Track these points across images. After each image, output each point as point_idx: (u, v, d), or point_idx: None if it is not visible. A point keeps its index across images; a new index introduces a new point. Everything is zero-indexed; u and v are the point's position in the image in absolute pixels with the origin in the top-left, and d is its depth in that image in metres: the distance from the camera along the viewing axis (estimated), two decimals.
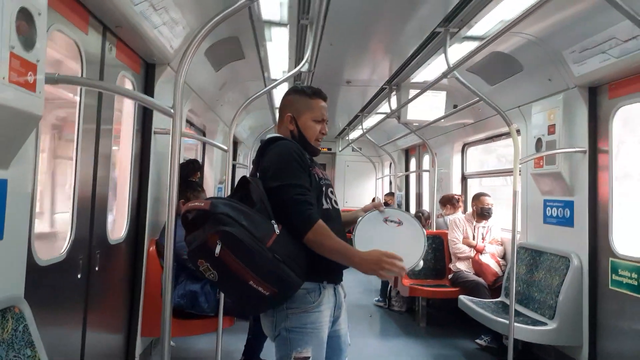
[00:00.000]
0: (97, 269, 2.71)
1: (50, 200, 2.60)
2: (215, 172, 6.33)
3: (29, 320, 1.71)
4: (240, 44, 4.08)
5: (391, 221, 2.02)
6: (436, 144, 6.82)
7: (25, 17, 1.47)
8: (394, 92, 5.45)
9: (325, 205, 1.91)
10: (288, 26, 3.66)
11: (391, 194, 9.22)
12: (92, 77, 2.55)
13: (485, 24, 3.36)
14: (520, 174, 4.06)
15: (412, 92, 5.00)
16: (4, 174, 1.67)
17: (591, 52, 3.18)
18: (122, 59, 2.95)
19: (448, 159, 6.75)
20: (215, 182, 6.28)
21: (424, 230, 2.04)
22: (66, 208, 2.45)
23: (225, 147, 3.69)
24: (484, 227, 5.05)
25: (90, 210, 2.64)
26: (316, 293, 1.83)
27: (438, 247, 5.46)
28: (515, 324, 3.45)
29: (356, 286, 6.82)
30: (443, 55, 3.62)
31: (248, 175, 1.94)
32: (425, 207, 7.83)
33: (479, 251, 4.91)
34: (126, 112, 3.27)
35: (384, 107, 6.11)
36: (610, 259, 3.32)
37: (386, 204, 6.94)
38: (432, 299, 5.32)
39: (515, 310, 3.49)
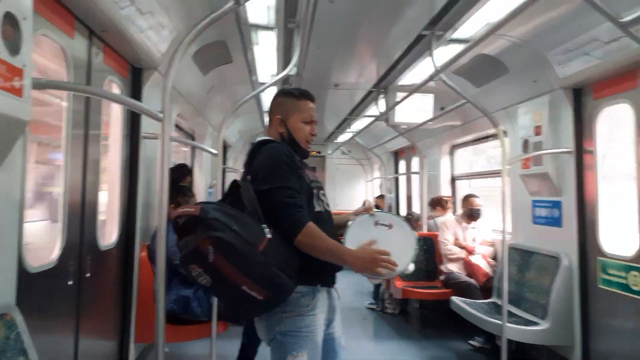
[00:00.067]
0: (88, 275, 2.69)
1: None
2: (205, 176, 6.31)
3: (21, 327, 1.69)
4: (228, 47, 4.08)
5: (382, 224, 2.02)
6: (424, 146, 6.86)
7: (10, 21, 1.45)
8: (382, 95, 5.48)
9: (317, 208, 1.91)
10: (275, 30, 3.66)
11: (381, 196, 9.25)
12: (79, 82, 2.53)
13: (470, 27, 3.39)
14: (508, 175, 4.10)
15: (400, 95, 5.03)
16: None
17: (575, 54, 3.23)
18: (109, 64, 2.94)
19: (437, 161, 6.79)
20: (205, 187, 6.26)
21: (414, 233, 2.05)
22: (36, 216, 2.42)
23: (215, 151, 3.69)
24: (474, 228, 5.09)
25: (80, 216, 2.62)
26: (310, 296, 1.83)
27: (429, 249, 5.47)
28: (508, 324, 3.47)
29: (349, 289, 6.82)
30: (430, 57, 3.65)
31: (239, 179, 1.94)
32: (416, 209, 7.87)
33: (470, 252, 4.93)
34: (114, 117, 3.26)
35: (373, 110, 6.13)
36: (599, 258, 3.36)
37: (377, 207, 6.98)
38: (425, 301, 5.34)
39: (508, 310, 3.52)
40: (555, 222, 3.81)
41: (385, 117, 5.48)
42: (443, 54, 3.72)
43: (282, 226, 1.76)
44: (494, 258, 4.94)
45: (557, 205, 3.79)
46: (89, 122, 2.69)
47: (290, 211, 1.77)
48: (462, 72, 4.37)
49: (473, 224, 5.09)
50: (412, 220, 6.26)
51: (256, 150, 1.93)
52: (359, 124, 7.51)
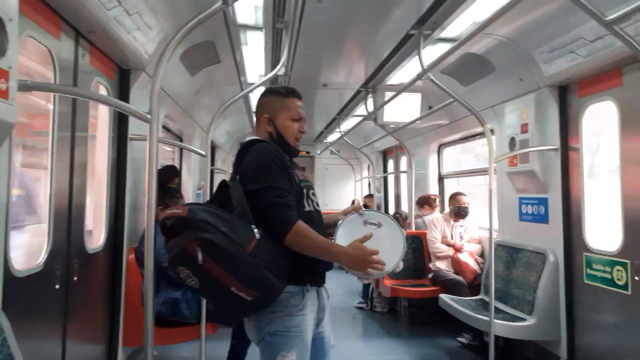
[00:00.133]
0: (75, 278, 2.67)
1: None
2: (193, 178, 6.27)
3: (7, 332, 1.67)
4: (216, 48, 4.07)
5: (371, 223, 2.03)
6: (413, 145, 6.89)
7: None
8: (370, 95, 5.50)
9: (306, 208, 1.91)
10: (263, 30, 3.66)
11: (370, 195, 9.28)
12: (66, 83, 2.51)
13: (457, 26, 3.41)
14: (495, 173, 4.13)
15: (388, 95, 5.04)
16: None
17: (560, 52, 3.27)
18: (96, 65, 2.91)
19: (425, 159, 6.83)
20: (193, 188, 6.23)
21: (403, 231, 2.06)
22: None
23: (204, 152, 3.67)
24: (462, 226, 5.13)
25: (67, 220, 2.59)
26: (299, 296, 1.83)
27: (417, 247, 5.51)
28: (496, 320, 3.50)
29: (338, 288, 6.83)
30: (417, 57, 3.67)
31: (227, 180, 1.94)
32: (404, 208, 7.90)
33: (458, 250, 4.97)
34: (101, 119, 3.23)
35: (361, 110, 6.15)
36: (585, 253, 3.40)
37: (365, 206, 7.00)
38: (414, 299, 5.37)
39: (495, 307, 3.55)
40: (542, 218, 3.85)
41: (373, 116, 5.49)
42: (431, 53, 3.74)
43: (272, 226, 1.76)
44: (482, 255, 4.98)
45: (543, 202, 3.84)
46: (76, 124, 2.67)
47: (279, 210, 1.77)
48: (450, 71, 4.40)
49: (461, 221, 5.13)
50: (400, 219, 6.29)
51: (245, 151, 1.92)
52: (347, 124, 7.53)
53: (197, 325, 3.29)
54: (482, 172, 5.46)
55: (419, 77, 3.85)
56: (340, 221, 2.03)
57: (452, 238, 5.10)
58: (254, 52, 4.15)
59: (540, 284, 3.66)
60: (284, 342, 1.78)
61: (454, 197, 5.18)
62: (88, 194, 2.91)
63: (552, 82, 3.58)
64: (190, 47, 3.79)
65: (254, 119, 2.17)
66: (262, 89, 4.44)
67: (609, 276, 3.15)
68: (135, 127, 3.41)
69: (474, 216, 5.21)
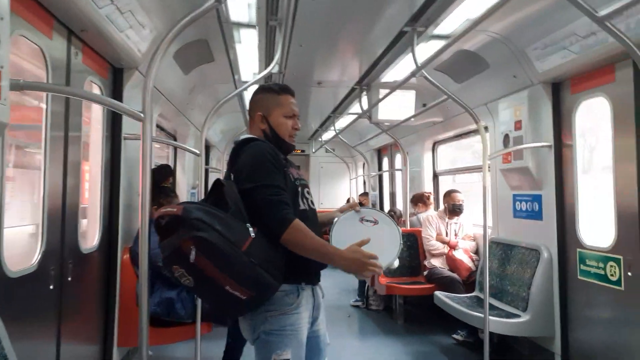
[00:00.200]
0: (69, 279, 2.65)
1: None
2: (187, 177, 6.26)
3: (1, 333, 1.66)
4: (209, 46, 4.05)
5: (367, 220, 2.04)
6: (407, 143, 6.90)
7: None
8: (364, 92, 5.49)
9: (301, 206, 1.90)
10: (257, 28, 3.65)
11: (365, 193, 9.29)
12: (59, 83, 2.49)
13: (451, 22, 3.42)
14: (489, 170, 4.14)
15: (382, 92, 5.05)
16: None
17: (553, 49, 3.28)
18: (88, 64, 2.90)
19: (419, 157, 6.84)
20: (188, 187, 6.22)
21: (399, 228, 2.07)
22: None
23: (198, 151, 3.66)
24: (456, 223, 5.14)
25: (60, 220, 2.58)
26: (294, 295, 1.83)
27: (412, 245, 5.52)
28: (490, 317, 3.52)
29: (334, 287, 6.84)
30: (411, 54, 3.67)
31: (222, 178, 1.93)
32: (399, 205, 7.91)
33: (452, 247, 4.99)
34: (95, 119, 3.21)
35: (355, 108, 6.15)
36: (578, 250, 3.42)
37: (361, 204, 6.97)
38: (409, 297, 5.38)
39: (490, 304, 3.56)
40: (536, 215, 3.87)
41: (368, 114, 5.49)
42: (424, 50, 3.75)
43: (268, 224, 1.75)
44: (476, 252, 4.99)
45: (537, 198, 3.85)
46: (69, 123, 2.66)
47: (275, 209, 1.76)
48: (444, 68, 4.40)
49: (455, 219, 5.14)
50: (394, 216, 6.31)
51: (239, 149, 1.91)
52: (342, 122, 7.52)
53: (192, 324, 3.28)
54: (477, 169, 5.47)
55: (413, 74, 3.85)
56: (336, 218, 2.03)
57: (446, 235, 5.11)
58: (247, 50, 4.14)
59: (534, 281, 3.67)
60: (279, 341, 1.78)
61: (449, 194, 5.19)
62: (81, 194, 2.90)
63: (545, 79, 3.59)
64: (184, 45, 3.77)
65: (248, 117, 2.17)
66: (256, 87, 4.46)
67: (602, 272, 3.17)
68: (128, 126, 3.39)
69: (469, 213, 5.23)
